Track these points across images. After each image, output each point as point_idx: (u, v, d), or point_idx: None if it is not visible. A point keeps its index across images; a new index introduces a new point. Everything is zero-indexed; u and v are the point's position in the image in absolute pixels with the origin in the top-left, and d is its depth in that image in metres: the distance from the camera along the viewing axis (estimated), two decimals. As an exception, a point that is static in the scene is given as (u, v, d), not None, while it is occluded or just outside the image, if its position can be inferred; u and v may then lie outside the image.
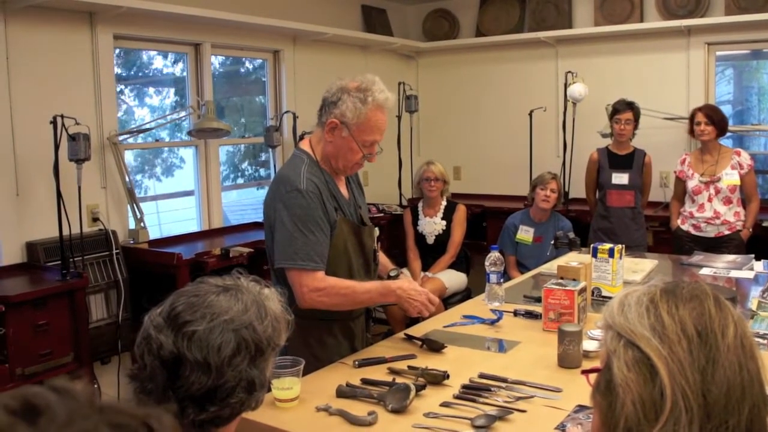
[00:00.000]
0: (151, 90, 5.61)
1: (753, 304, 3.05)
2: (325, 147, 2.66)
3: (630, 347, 1.08)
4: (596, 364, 1.17)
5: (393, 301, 2.68)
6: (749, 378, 1.05)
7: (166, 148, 5.72)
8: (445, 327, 2.95)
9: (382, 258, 3.01)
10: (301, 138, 5.47)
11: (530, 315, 3.04)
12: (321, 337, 2.68)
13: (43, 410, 0.64)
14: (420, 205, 5.71)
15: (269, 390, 1.93)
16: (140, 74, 5.50)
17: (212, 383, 1.33)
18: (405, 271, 5.59)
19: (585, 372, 1.21)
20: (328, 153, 2.66)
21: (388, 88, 2.66)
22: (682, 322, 1.07)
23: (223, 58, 5.93)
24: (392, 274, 2.95)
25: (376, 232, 2.88)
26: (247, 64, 6.24)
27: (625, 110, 5.28)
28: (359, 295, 2.62)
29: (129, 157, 5.27)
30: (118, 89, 5.07)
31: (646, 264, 3.93)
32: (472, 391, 2.22)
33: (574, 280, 2.96)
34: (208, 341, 1.34)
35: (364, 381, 2.33)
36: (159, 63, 5.56)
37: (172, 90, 5.63)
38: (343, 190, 2.77)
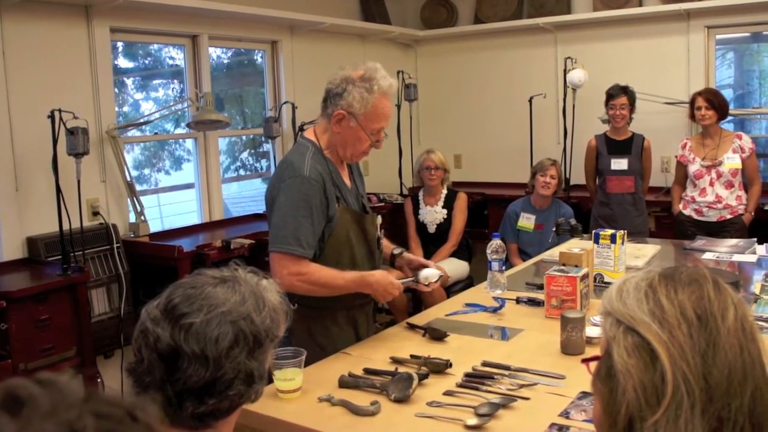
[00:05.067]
0: (152, 84, 5.59)
1: (756, 288, 3.05)
2: (332, 137, 2.66)
3: (630, 333, 1.07)
4: (599, 350, 1.16)
5: (368, 293, 2.66)
6: (750, 360, 1.04)
7: (173, 141, 5.70)
8: (447, 315, 2.95)
9: (384, 241, 3.01)
10: (301, 129, 5.50)
11: (533, 302, 3.03)
12: (325, 325, 2.68)
13: (26, 401, 0.64)
14: (421, 194, 5.70)
15: (269, 382, 1.93)
16: (142, 66, 5.48)
17: (210, 376, 1.32)
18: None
19: (585, 361, 1.21)
20: (335, 143, 2.67)
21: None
22: (681, 306, 1.06)
23: (224, 49, 5.91)
24: (396, 252, 2.96)
25: (379, 219, 2.87)
26: (248, 55, 6.22)
27: (619, 95, 5.26)
28: (338, 286, 2.59)
29: (136, 150, 5.27)
30: (120, 82, 5.06)
31: (649, 249, 3.92)
32: (475, 380, 2.21)
33: (576, 266, 2.96)
34: (205, 333, 1.32)
35: (367, 371, 2.33)
36: (162, 54, 5.54)
37: (176, 82, 5.61)
38: (346, 179, 2.78)
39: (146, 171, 5.44)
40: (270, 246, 2.57)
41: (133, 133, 5.01)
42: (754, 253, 3.81)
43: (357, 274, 2.62)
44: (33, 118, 4.11)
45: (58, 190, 4.00)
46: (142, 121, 4.94)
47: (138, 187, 4.80)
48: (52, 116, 3.95)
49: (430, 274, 2.79)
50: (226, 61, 6.08)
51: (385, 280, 2.65)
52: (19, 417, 0.62)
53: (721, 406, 1.01)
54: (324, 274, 2.56)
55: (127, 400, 0.71)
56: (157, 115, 5.08)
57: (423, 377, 2.20)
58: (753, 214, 5.03)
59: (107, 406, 0.67)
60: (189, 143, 5.56)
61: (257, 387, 1.41)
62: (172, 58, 5.54)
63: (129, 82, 5.36)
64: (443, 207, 5.57)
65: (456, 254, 5.56)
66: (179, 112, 5.33)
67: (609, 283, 3.15)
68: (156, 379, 1.34)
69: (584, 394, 2.06)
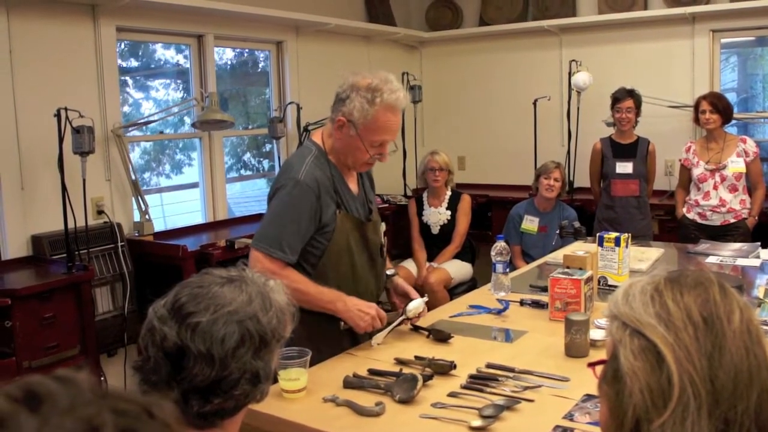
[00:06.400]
0: (157, 83, 5.59)
1: (760, 292, 3.04)
2: (334, 143, 2.64)
3: (636, 336, 1.08)
4: (603, 352, 1.17)
5: (340, 312, 2.56)
6: (756, 363, 1.05)
7: (174, 147, 5.70)
8: (451, 317, 2.95)
9: None
10: (306, 129, 5.50)
11: (536, 304, 3.03)
12: (324, 329, 2.67)
13: (45, 398, 0.64)
14: (425, 195, 5.70)
15: (275, 382, 1.93)
16: (148, 66, 5.49)
17: (216, 375, 1.32)
18: (402, 266, 5.59)
19: (591, 365, 1.21)
20: (337, 149, 2.65)
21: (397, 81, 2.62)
22: (687, 309, 1.07)
23: (230, 49, 5.92)
24: (388, 273, 2.92)
25: (383, 227, 2.86)
26: (251, 55, 6.23)
27: (625, 98, 5.25)
28: (311, 296, 2.51)
29: (137, 151, 5.27)
30: (123, 81, 5.06)
31: (652, 253, 3.92)
32: (479, 381, 2.21)
33: (580, 269, 2.95)
34: (211, 333, 1.33)
35: (371, 371, 2.33)
36: (167, 54, 5.55)
37: (179, 82, 5.62)
38: (353, 185, 2.75)
39: (146, 175, 5.43)
40: (252, 242, 2.57)
41: (135, 132, 5.00)
42: (758, 257, 3.80)
43: (332, 292, 2.56)
44: (39, 117, 4.13)
45: (64, 189, 4.01)
46: (147, 120, 4.95)
47: (143, 187, 4.81)
48: (58, 115, 3.96)
49: (415, 306, 2.73)
50: (229, 61, 6.09)
51: (360, 304, 2.58)
52: (38, 413, 0.63)
53: (727, 408, 1.01)
54: (298, 278, 2.52)
55: (143, 397, 0.71)
56: (161, 114, 5.08)
57: (427, 378, 2.21)
58: (757, 218, 5.02)
59: (125, 403, 0.68)
60: (191, 146, 5.56)
61: (263, 387, 1.41)
62: (170, 59, 5.54)
63: (130, 81, 5.36)
64: (447, 208, 5.57)
65: (459, 256, 5.56)
66: (182, 113, 5.33)
67: (613, 286, 3.17)
68: (162, 378, 1.34)
69: (588, 397, 2.06)
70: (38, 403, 0.64)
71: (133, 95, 5.42)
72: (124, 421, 0.65)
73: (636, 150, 5.34)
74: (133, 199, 4.70)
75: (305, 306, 2.43)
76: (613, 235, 3.28)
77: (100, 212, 4.48)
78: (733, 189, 4.99)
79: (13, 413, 0.62)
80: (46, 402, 0.64)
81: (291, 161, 2.67)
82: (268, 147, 6.32)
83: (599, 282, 3.23)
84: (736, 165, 4.96)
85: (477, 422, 1.94)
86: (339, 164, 2.68)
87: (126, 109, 5.19)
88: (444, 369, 2.29)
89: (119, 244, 4.41)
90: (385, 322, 2.64)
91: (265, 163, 6.51)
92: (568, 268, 3.01)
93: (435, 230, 5.59)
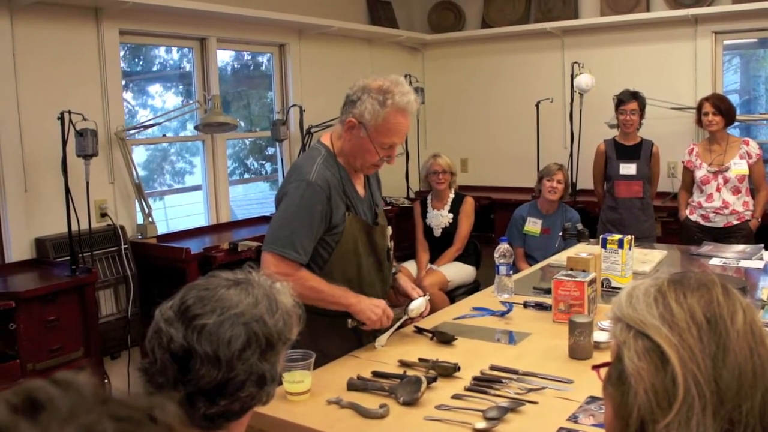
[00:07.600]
0: (160, 86, 5.60)
1: (763, 294, 3.04)
2: (344, 145, 2.65)
3: (640, 337, 1.08)
4: (607, 354, 1.17)
5: (352, 308, 2.58)
6: (760, 363, 1.05)
7: (174, 155, 5.71)
8: (455, 319, 2.95)
9: None
10: (308, 132, 5.51)
11: (540, 306, 3.03)
12: (328, 332, 2.67)
13: (45, 405, 0.64)
14: (429, 197, 5.70)
15: (280, 384, 1.93)
16: (150, 69, 5.50)
17: (222, 377, 1.33)
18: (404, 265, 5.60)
19: (595, 367, 1.21)
20: (346, 151, 2.65)
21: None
22: (690, 310, 1.07)
23: (233, 52, 5.93)
24: (393, 271, 2.94)
25: (389, 230, 2.86)
26: (253, 58, 6.24)
27: (629, 100, 5.25)
28: (324, 293, 2.54)
29: (142, 155, 5.27)
30: (125, 85, 5.07)
31: (656, 255, 3.92)
32: (483, 383, 2.22)
33: (583, 271, 2.95)
34: (218, 335, 1.33)
35: (375, 374, 2.33)
36: (167, 58, 5.55)
37: (181, 86, 5.63)
38: (360, 188, 2.76)
39: (149, 183, 5.44)
40: (264, 245, 2.57)
41: (138, 135, 5.01)
42: (761, 259, 3.80)
43: (343, 290, 2.58)
44: (43, 120, 4.13)
45: (67, 191, 4.02)
46: (150, 123, 4.95)
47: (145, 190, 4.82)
48: (61, 118, 3.97)
49: (417, 305, 2.74)
50: (231, 64, 6.10)
51: (370, 299, 2.61)
52: (38, 422, 0.62)
53: (732, 408, 1.01)
54: (311, 277, 2.55)
55: (145, 400, 0.70)
56: (162, 118, 5.08)
57: (431, 380, 2.21)
58: (760, 220, 5.02)
59: (126, 408, 0.67)
60: (193, 152, 5.56)
61: (269, 389, 1.41)
62: (173, 63, 5.55)
63: (132, 85, 5.37)
64: (449, 211, 5.57)
65: (463, 259, 5.56)
66: (185, 116, 5.34)
67: (616, 288, 3.17)
68: (168, 380, 1.34)
69: (592, 399, 2.06)
70: (38, 410, 0.63)
71: (136, 98, 5.43)
72: (125, 427, 0.65)
73: (640, 151, 5.34)
74: (137, 201, 4.70)
75: (319, 304, 2.49)
76: (617, 237, 3.28)
77: (103, 215, 4.49)
78: (736, 191, 4.99)
79: (13, 423, 0.62)
80: (45, 409, 0.63)
81: (300, 162, 2.67)
82: (270, 150, 6.32)
83: (603, 284, 3.23)
84: (738, 167, 4.96)
85: (481, 424, 1.94)
86: (347, 166, 2.69)
87: (128, 117, 5.20)
88: (448, 371, 2.30)
89: (122, 246, 4.41)
90: (392, 319, 2.65)
91: (267, 166, 6.52)
92: (571, 270, 3.02)
93: (437, 233, 5.59)
